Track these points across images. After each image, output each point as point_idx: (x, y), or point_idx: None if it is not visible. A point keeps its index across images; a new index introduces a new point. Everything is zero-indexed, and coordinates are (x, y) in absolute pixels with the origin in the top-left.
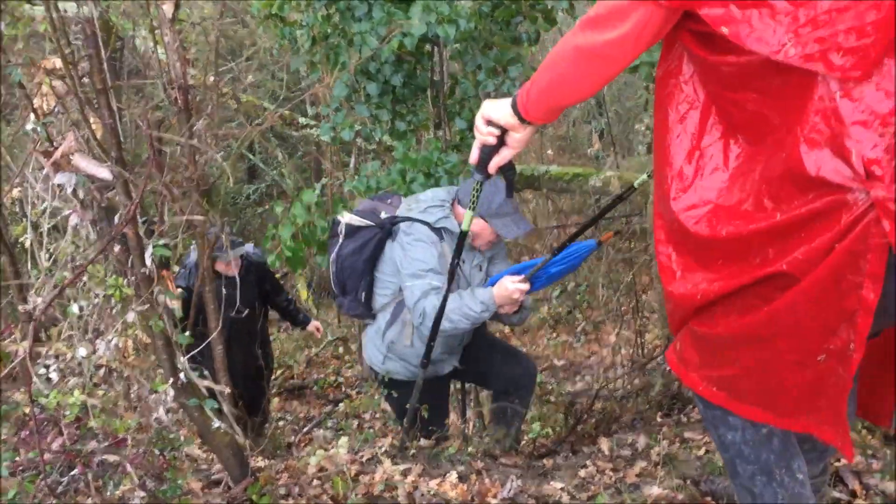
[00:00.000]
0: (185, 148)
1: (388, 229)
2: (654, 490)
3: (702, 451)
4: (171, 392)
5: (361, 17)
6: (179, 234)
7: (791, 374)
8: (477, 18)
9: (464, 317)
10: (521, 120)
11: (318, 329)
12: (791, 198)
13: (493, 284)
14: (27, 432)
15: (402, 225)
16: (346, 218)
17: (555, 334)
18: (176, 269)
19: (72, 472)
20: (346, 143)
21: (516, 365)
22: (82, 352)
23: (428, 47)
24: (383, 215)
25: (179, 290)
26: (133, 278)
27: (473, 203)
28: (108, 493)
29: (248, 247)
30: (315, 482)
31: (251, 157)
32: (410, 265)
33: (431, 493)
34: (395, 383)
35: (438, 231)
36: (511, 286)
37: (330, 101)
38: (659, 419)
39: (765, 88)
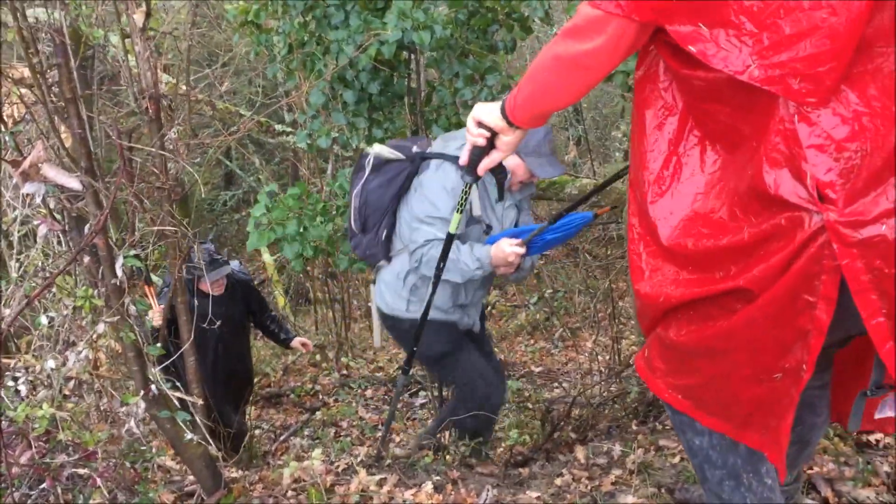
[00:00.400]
0: (156, 157)
1: (417, 164)
2: (629, 499)
3: (676, 459)
4: (143, 404)
5: (338, 24)
6: (151, 245)
7: (746, 389)
8: (453, 26)
9: (458, 271)
10: (510, 123)
11: (303, 345)
12: (756, 213)
13: (492, 244)
14: None
15: (433, 162)
16: (374, 149)
17: (532, 341)
18: (158, 280)
19: (41, 486)
20: (323, 150)
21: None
22: (51, 364)
23: (405, 55)
24: (415, 149)
25: (162, 306)
26: (104, 289)
27: (461, 205)
28: None
29: (234, 264)
30: (290, 493)
31: (228, 163)
32: (422, 207)
33: (408, 503)
34: (427, 325)
35: None
36: (508, 249)
37: (307, 108)
38: (634, 427)
39: (735, 103)
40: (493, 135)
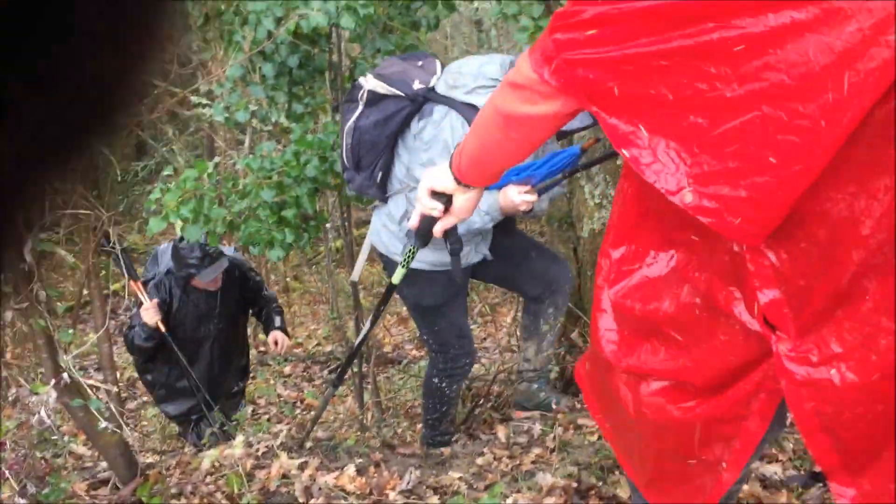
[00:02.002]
0: None
1: (420, 104)
2: (548, 478)
3: (595, 437)
4: (54, 393)
5: None
6: (62, 229)
7: (658, 459)
8: (376, 3)
9: (464, 226)
10: (461, 184)
11: (275, 342)
12: (710, 310)
13: (498, 188)
14: None
15: (438, 109)
16: (369, 83)
17: None
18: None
19: None
20: (241, 124)
21: (552, 264)
22: None
23: (326, 28)
24: (416, 85)
25: (155, 301)
26: (10, 274)
27: (406, 262)
28: None
29: (228, 250)
30: (208, 478)
31: (139, 132)
32: (424, 168)
33: (329, 486)
34: (416, 275)
35: None
36: (518, 198)
37: (224, 80)
38: (554, 405)
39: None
40: (449, 199)
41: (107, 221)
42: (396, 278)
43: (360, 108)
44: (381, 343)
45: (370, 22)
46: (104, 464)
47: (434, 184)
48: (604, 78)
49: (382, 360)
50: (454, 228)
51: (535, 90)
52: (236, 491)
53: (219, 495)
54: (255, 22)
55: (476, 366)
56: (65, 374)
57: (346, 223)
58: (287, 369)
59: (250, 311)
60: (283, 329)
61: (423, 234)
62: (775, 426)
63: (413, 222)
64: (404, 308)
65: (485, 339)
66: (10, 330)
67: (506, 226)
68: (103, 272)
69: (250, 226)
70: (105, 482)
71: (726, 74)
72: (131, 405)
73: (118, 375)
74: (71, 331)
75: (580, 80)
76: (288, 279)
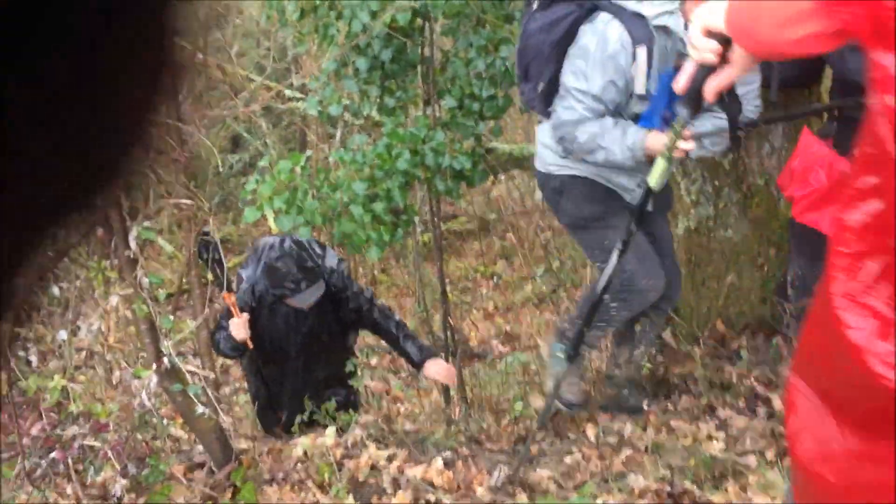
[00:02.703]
0: (171, 129)
1: (587, 10)
2: (641, 481)
3: (689, 441)
4: (155, 377)
5: None
6: (165, 218)
7: None
8: None
9: (603, 151)
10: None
11: (441, 372)
12: None
13: (647, 126)
14: (6, 416)
15: (602, 16)
16: None
17: (538, 313)
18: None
19: (51, 456)
20: (334, 117)
21: (675, 273)
22: (63, 334)
23: (420, 22)
24: None
25: (245, 316)
26: (116, 261)
27: (668, 152)
28: (89, 479)
29: (331, 258)
30: (299, 466)
31: (235, 126)
32: (573, 75)
33: (417, 479)
34: (572, 183)
35: (651, 30)
36: (664, 141)
37: (318, 74)
38: (645, 406)
39: None
40: (726, 46)
41: (206, 211)
42: (654, 178)
43: (533, 8)
44: (468, 337)
45: (462, 14)
46: (200, 447)
47: (710, 21)
48: None
49: (468, 355)
50: (732, 89)
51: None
52: (326, 480)
53: (309, 483)
54: (349, 17)
55: None
56: (165, 359)
57: (435, 217)
58: (374, 361)
59: (357, 329)
60: (425, 358)
61: (693, 95)
62: None
63: (681, 83)
64: (490, 304)
65: None
66: (115, 315)
67: (665, 203)
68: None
69: (344, 225)
70: (201, 465)
71: None
72: (225, 390)
73: (213, 362)
74: (171, 317)
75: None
76: (375, 272)
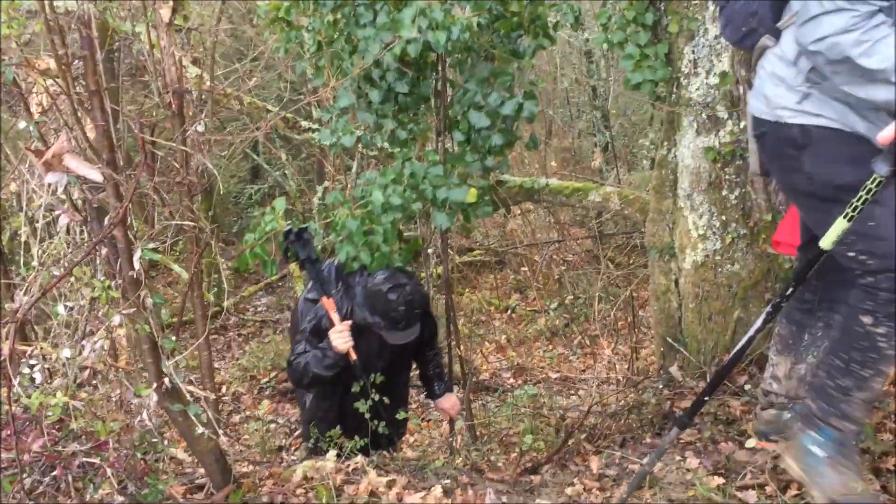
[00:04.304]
0: (177, 152)
1: None
2: None
3: (688, 476)
4: (155, 396)
5: (366, 23)
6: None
7: None
8: (474, 30)
9: (869, 78)
10: None
11: (452, 406)
12: None
13: None
14: (7, 432)
15: None
16: None
17: (551, 346)
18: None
19: (52, 474)
20: (347, 148)
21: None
22: (67, 353)
23: (433, 56)
24: None
25: (349, 323)
26: (120, 281)
27: (852, 211)
28: (88, 496)
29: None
30: (299, 490)
31: (255, 157)
32: None
33: None
34: (828, 134)
35: None
36: None
37: (332, 106)
38: (649, 439)
39: None
40: None
41: (209, 234)
42: (828, 240)
43: None
44: (479, 370)
45: (469, 49)
46: (202, 470)
47: None
48: None
49: (479, 387)
50: None
51: None
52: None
53: None
54: (363, 49)
55: (573, 397)
56: (166, 380)
57: (445, 249)
58: None
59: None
60: (443, 392)
61: None
62: None
63: (887, 133)
64: (502, 336)
65: (584, 370)
66: (119, 333)
67: None
68: (206, 281)
69: (343, 250)
70: (201, 488)
71: None
72: (235, 419)
73: (224, 389)
74: (174, 337)
75: None
76: None
